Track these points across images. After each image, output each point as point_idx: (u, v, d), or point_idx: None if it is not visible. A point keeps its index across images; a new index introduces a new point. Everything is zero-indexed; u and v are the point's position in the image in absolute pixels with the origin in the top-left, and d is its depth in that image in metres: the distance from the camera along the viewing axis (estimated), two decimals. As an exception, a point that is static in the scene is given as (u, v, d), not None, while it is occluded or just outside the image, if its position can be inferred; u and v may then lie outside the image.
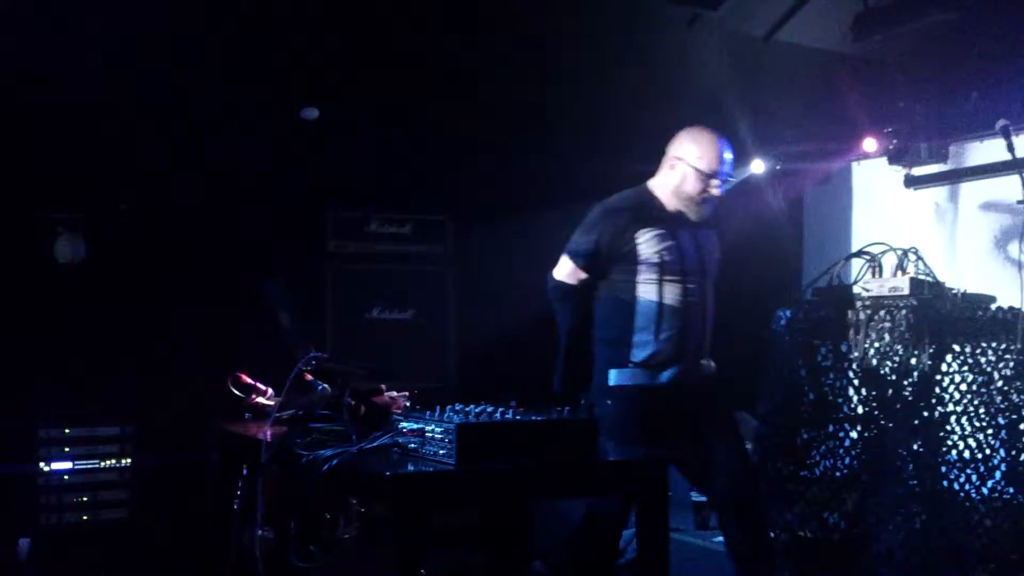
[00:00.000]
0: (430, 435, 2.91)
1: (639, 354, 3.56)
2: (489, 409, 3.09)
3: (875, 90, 5.82)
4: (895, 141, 6.11)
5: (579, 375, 3.74)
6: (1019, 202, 3.91)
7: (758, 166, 6.89)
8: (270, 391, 3.69)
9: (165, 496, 5.09)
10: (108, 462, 5.12)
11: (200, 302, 5.41)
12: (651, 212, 3.62)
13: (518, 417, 3.03)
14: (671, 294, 3.54)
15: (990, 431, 3.97)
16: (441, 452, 2.86)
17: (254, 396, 3.66)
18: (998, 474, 3.95)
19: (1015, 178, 4.03)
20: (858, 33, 5.17)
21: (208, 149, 5.46)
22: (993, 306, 4.10)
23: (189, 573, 4.37)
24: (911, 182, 6.43)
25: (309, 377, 3.36)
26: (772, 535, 4.04)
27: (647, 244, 3.55)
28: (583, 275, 3.68)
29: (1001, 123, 4.10)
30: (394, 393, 3.43)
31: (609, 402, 3.58)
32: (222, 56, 5.08)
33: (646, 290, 3.55)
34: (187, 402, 4.99)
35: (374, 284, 5.99)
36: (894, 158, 6.21)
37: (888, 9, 5.08)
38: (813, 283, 4.48)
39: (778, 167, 6.88)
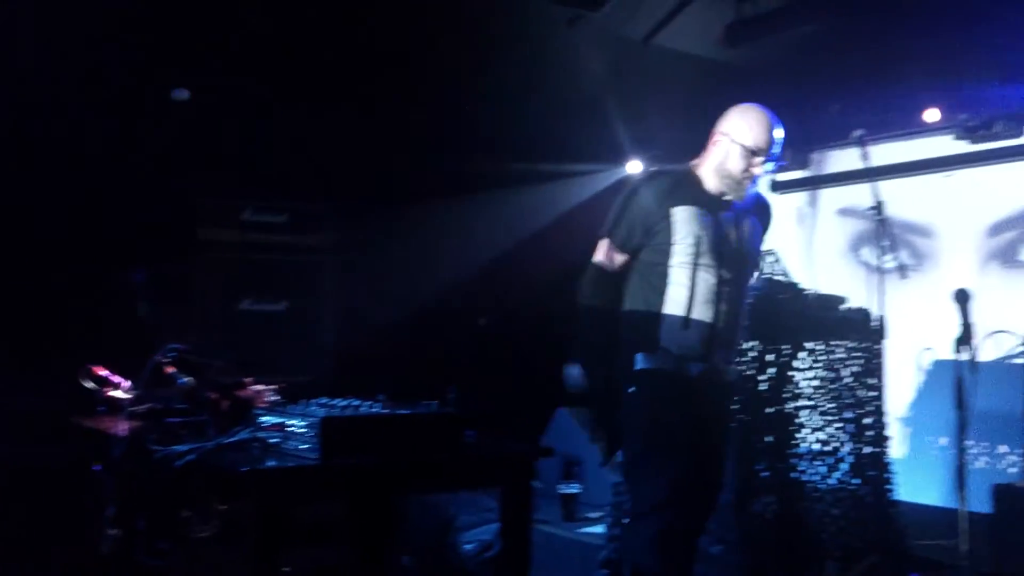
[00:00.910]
0: (292, 429, 2.87)
1: (668, 340, 3.21)
2: (355, 403, 3.06)
3: (745, 96, 6.00)
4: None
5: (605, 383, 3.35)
6: (870, 209, 4.13)
7: (635, 167, 7.03)
8: (127, 383, 3.55)
9: (15, 492, 4.85)
10: (-48, 457, 4.86)
11: (62, 293, 5.17)
12: (690, 189, 3.26)
13: (384, 411, 3.02)
14: (704, 282, 3.19)
15: (838, 425, 4.18)
16: (304, 447, 2.82)
17: (108, 389, 3.51)
18: (845, 466, 4.17)
19: (870, 185, 4.26)
20: (730, 41, 5.32)
21: (70, 132, 5.22)
22: (843, 306, 4.32)
23: (39, 571, 4.18)
24: (777, 187, 6.68)
25: (170, 370, 3.25)
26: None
27: (683, 223, 3.19)
28: (621, 257, 3.30)
29: (857, 133, 4.31)
30: (260, 387, 3.35)
31: (633, 389, 3.24)
32: (84, 36, 4.86)
33: (679, 275, 3.19)
34: (41, 396, 4.77)
35: (246, 275, 5.83)
36: (762, 162, 6.42)
37: (758, 19, 5.25)
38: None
39: (653, 168, 7.02)
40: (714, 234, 3.22)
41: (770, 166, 3.31)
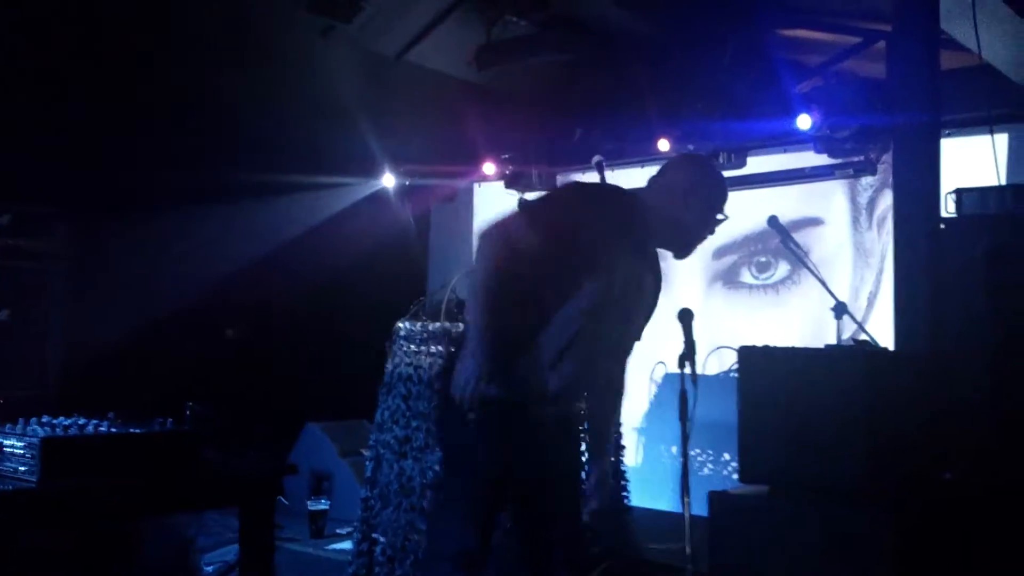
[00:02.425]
0: (9, 450, 2.67)
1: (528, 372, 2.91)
2: (81, 421, 2.88)
3: (494, 117, 6.21)
4: (510, 167, 6.57)
5: None
6: None
7: (388, 180, 7.07)
8: None
9: None
10: None
11: None
12: (636, 233, 2.93)
13: (113, 429, 2.86)
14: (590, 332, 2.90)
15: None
16: (22, 469, 2.63)
17: None
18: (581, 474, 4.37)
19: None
20: (480, 63, 5.47)
21: None
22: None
23: None
24: (522, 207, 6.92)
25: None
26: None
27: (612, 270, 2.89)
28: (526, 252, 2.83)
29: (596, 159, 4.57)
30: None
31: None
32: None
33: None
34: None
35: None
36: (510, 182, 6.68)
37: (507, 44, 5.44)
38: (432, 296, 4.67)
39: (407, 183, 7.11)
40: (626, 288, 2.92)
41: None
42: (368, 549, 4.39)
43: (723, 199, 3.00)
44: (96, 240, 5.88)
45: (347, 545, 4.85)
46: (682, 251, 3.03)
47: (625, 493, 4.79)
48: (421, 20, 5.39)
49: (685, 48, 5.23)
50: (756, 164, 6.09)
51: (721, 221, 2.99)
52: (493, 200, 7.14)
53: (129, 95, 5.49)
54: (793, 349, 3.90)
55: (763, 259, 6.32)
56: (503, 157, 6.56)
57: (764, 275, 6.33)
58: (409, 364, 4.42)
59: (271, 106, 5.67)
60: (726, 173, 6.11)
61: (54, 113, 5.44)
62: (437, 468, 4.21)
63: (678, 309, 2.96)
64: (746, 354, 3.71)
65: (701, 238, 3.01)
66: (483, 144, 6.44)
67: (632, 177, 6.21)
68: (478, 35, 5.60)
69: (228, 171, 5.99)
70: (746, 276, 6.40)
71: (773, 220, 4.85)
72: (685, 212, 2.95)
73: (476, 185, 7.24)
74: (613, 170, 4.68)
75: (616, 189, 3.07)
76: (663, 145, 5.89)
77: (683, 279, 6.33)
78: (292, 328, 6.50)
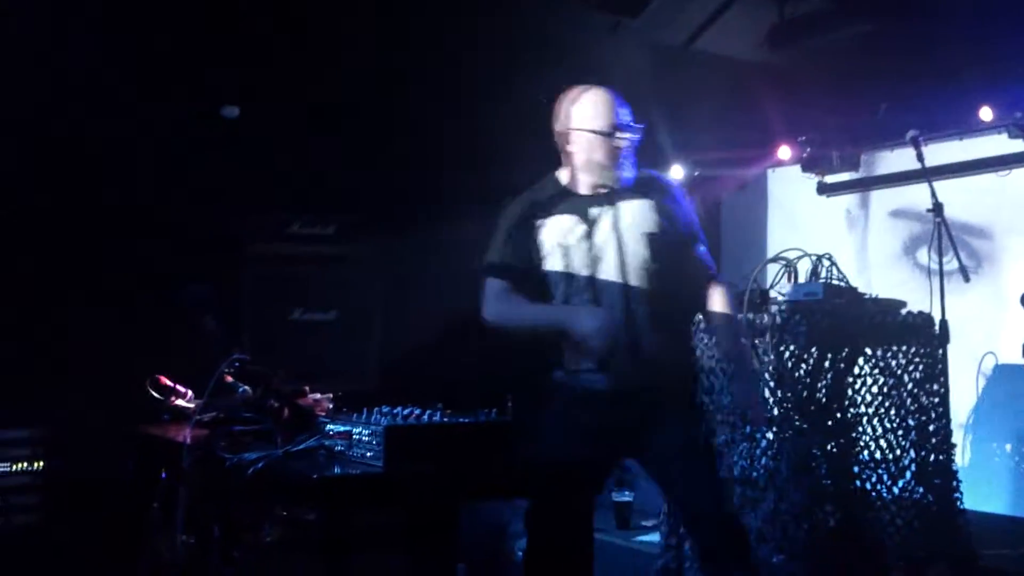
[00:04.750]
0: (357, 437, 2.90)
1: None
2: (416, 411, 3.09)
3: (789, 99, 5.98)
4: (808, 149, 6.30)
5: None
6: (928, 210, 4.05)
7: (677, 172, 7.03)
8: (190, 393, 3.61)
9: (80, 501, 4.93)
10: (19, 465, 4.95)
11: (119, 303, 5.27)
12: (556, 199, 3.06)
13: (445, 419, 3.04)
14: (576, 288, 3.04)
15: (900, 432, 4.11)
16: (368, 455, 2.85)
17: (173, 398, 3.57)
18: (908, 474, 4.09)
19: (923, 186, 4.20)
20: (774, 43, 5.30)
21: (117, 147, 5.32)
22: (903, 311, 4.25)
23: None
24: (824, 189, 6.63)
25: (230, 379, 3.30)
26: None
27: (550, 236, 3.03)
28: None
29: (911, 134, 4.26)
30: (318, 395, 3.39)
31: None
32: (137, 52, 4.97)
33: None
34: (104, 405, 4.85)
35: (296, 286, 5.90)
36: (807, 166, 6.41)
37: (803, 21, 5.23)
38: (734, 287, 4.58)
39: (696, 173, 7.02)
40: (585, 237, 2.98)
41: (631, 136, 3.01)
42: (677, 544, 4.37)
43: (599, 117, 2.99)
44: (406, 243, 6.29)
45: (654, 538, 4.86)
46: (607, 178, 2.99)
47: (955, 494, 4.43)
48: (708, 6, 5.31)
49: (1009, 8, 4.78)
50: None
51: (614, 129, 2.96)
52: (788, 186, 6.90)
53: (430, 113, 5.84)
54: None
55: None
56: (800, 140, 6.31)
57: None
58: (711, 357, 4.36)
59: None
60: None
61: (360, 133, 5.91)
62: (745, 463, 4.14)
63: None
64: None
65: (610, 155, 2.97)
66: (777, 128, 6.23)
67: (949, 151, 5.75)
68: (767, 15, 5.44)
69: (520, 172, 6.20)
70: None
71: None
72: (575, 152, 3.01)
73: (770, 171, 7.02)
74: (927, 145, 4.35)
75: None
76: (985, 114, 5.39)
77: (1012, 259, 5.74)
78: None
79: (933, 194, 4.07)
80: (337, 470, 2.76)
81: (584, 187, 3.05)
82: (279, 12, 4.98)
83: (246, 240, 5.79)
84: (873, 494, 4.05)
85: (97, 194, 5.36)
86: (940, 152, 5.56)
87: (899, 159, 5.84)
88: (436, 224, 6.13)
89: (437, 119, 5.97)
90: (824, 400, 3.99)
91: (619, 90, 5.88)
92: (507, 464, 3.05)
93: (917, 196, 4.18)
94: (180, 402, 3.55)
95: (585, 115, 3.02)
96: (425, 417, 3.02)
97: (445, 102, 5.89)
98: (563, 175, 3.11)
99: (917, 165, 4.23)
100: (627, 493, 5.41)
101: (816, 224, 6.61)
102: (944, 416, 4.16)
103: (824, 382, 3.99)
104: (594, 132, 2.98)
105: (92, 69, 4.86)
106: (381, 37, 5.36)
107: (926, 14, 5.00)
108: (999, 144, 5.74)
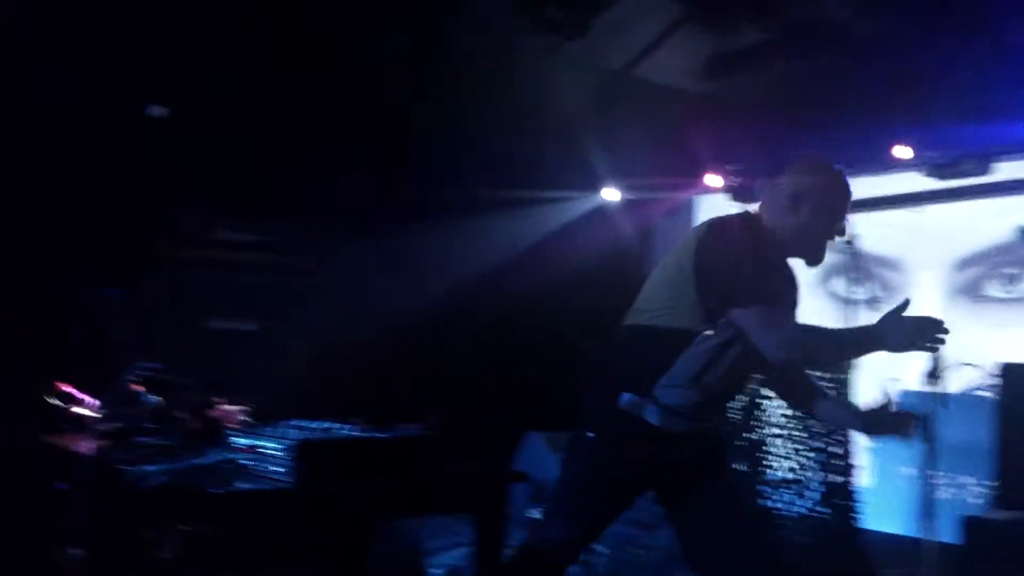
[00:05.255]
0: (266, 452, 2.82)
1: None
2: (331, 426, 3.02)
3: (720, 129, 6.07)
4: (737, 178, 6.39)
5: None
6: (844, 242, 4.11)
7: (610, 194, 7.07)
8: (95, 403, 3.47)
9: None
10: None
11: (21, 304, 5.08)
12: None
13: (360, 434, 2.98)
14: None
15: (808, 454, 4.20)
16: (277, 470, 2.77)
17: (75, 407, 3.42)
18: (813, 494, 4.17)
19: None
20: (709, 74, 5.37)
21: (38, 147, 5.14)
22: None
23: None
24: (748, 218, 6.72)
25: (138, 388, 3.19)
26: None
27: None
28: None
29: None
30: (230, 407, 3.30)
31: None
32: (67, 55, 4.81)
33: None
34: (2, 413, 4.66)
35: (215, 293, 5.76)
36: (736, 194, 6.50)
37: (737, 54, 5.31)
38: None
39: (629, 197, 7.07)
40: None
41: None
42: (590, 560, 4.38)
43: (841, 200, 2.95)
44: (339, 253, 6.20)
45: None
46: (811, 259, 2.95)
47: (856, 514, 4.55)
48: (648, 34, 5.36)
49: (926, 50, 4.93)
50: (1002, 171, 5.62)
51: (845, 224, 2.93)
52: (716, 213, 6.97)
53: (373, 113, 5.77)
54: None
55: (1011, 271, 5.84)
56: (729, 169, 6.40)
57: (1012, 289, 5.85)
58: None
59: (501, 122, 5.81)
60: (968, 181, 5.76)
61: (302, 141, 5.81)
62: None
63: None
64: (1009, 372, 3.42)
65: (823, 243, 2.92)
66: (708, 156, 6.32)
67: (867, 186, 5.90)
68: (705, 46, 5.51)
69: (461, 189, 6.19)
70: (992, 290, 5.93)
71: (1022, 230, 4.49)
72: (797, 219, 2.89)
73: (699, 198, 7.10)
74: (848, 179, 4.46)
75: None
76: (902, 152, 5.56)
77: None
78: (516, 339, 6.61)
79: (849, 226, 4.16)
80: (243, 485, 2.67)
81: (791, 250, 2.97)
82: (212, 8, 4.87)
83: (164, 243, 5.63)
84: (778, 513, 4.12)
85: (3, 195, 5.17)
86: (859, 186, 5.67)
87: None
88: (365, 236, 6.07)
89: (370, 132, 5.92)
90: (736, 422, 4.05)
91: (556, 111, 5.93)
92: (425, 481, 3.00)
93: (837, 229, 4.28)
94: (82, 411, 3.40)
95: (831, 201, 2.95)
96: (340, 432, 2.95)
97: (379, 116, 5.84)
98: (775, 226, 2.95)
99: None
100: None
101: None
102: (848, 439, 4.27)
103: (737, 404, 4.04)
104: (832, 221, 2.95)
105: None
106: (314, 47, 5.29)
107: (851, 54, 5.12)
108: (915, 181, 5.94)
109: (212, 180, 5.65)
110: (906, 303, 2.73)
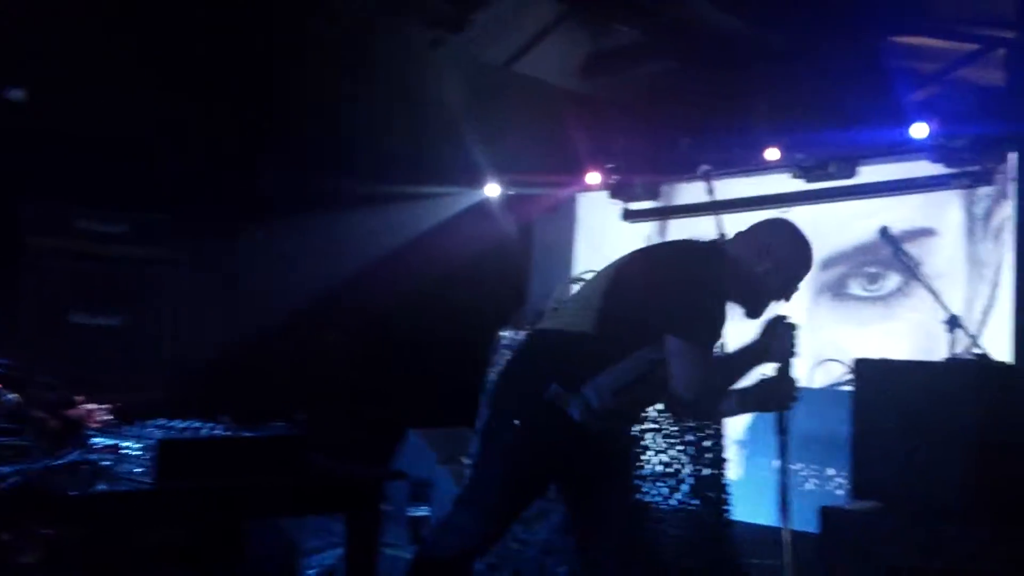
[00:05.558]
0: (126, 452, 2.74)
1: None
2: (195, 425, 2.95)
3: (600, 127, 6.17)
4: (615, 176, 6.52)
5: None
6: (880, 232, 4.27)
7: (492, 190, 7.10)
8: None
9: None
10: None
11: None
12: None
13: (227, 433, 2.92)
14: None
15: (680, 447, 4.31)
16: (138, 470, 2.69)
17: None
18: (685, 487, 4.29)
19: (714, 218, 4.41)
20: (588, 72, 5.45)
21: None
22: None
23: None
24: (628, 216, 6.87)
25: (-6, 386, 3.04)
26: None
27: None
28: None
29: (703, 168, 4.48)
30: (91, 406, 3.18)
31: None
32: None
33: None
34: None
35: (79, 286, 5.50)
36: (614, 192, 6.63)
37: (615, 53, 5.40)
38: (534, 306, 4.66)
39: (510, 192, 7.12)
40: None
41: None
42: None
43: (805, 267, 3.04)
44: (209, 247, 6.03)
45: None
46: (753, 311, 3.03)
47: (726, 507, 4.69)
48: (529, 31, 5.40)
49: (796, 55, 5.12)
50: (867, 174, 5.92)
51: (795, 292, 3.02)
52: (596, 210, 7.09)
53: (244, 104, 5.65)
54: (911, 362, 3.78)
55: (873, 271, 6.12)
56: (608, 167, 6.51)
57: (874, 287, 6.14)
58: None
59: (381, 116, 5.77)
60: (835, 183, 6.02)
61: (168, 130, 5.63)
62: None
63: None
64: (862, 367, 3.59)
65: (772, 300, 3.03)
66: (588, 154, 6.41)
67: (739, 186, 6.10)
68: (585, 45, 5.59)
69: (338, 181, 6.11)
70: (855, 288, 6.21)
71: (885, 231, 4.70)
72: (763, 272, 2.98)
73: (579, 195, 7.21)
74: (720, 179, 4.60)
75: (707, 247, 3.09)
76: (771, 154, 5.77)
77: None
78: (395, 335, 6.58)
79: (719, 226, 4.30)
80: (102, 487, 2.59)
81: (728, 287, 3.02)
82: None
83: (25, 232, 5.36)
84: (653, 507, 4.22)
85: None
86: (731, 187, 5.88)
87: (695, 191, 6.12)
88: (239, 230, 5.93)
89: (247, 121, 5.79)
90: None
91: (437, 106, 5.92)
92: (294, 480, 2.96)
93: (709, 228, 4.39)
94: (-71, 409, 3.23)
95: (797, 265, 3.05)
96: (204, 431, 2.88)
97: (256, 105, 5.72)
98: (728, 267, 3.02)
99: (710, 198, 4.44)
100: (423, 508, 5.38)
101: (620, 249, 6.63)
102: (719, 432, 4.40)
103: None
104: (790, 284, 3.04)
105: None
106: (196, 33, 5.15)
107: (726, 59, 5.28)
108: (783, 183, 6.17)
109: (72, 168, 5.42)
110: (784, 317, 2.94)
